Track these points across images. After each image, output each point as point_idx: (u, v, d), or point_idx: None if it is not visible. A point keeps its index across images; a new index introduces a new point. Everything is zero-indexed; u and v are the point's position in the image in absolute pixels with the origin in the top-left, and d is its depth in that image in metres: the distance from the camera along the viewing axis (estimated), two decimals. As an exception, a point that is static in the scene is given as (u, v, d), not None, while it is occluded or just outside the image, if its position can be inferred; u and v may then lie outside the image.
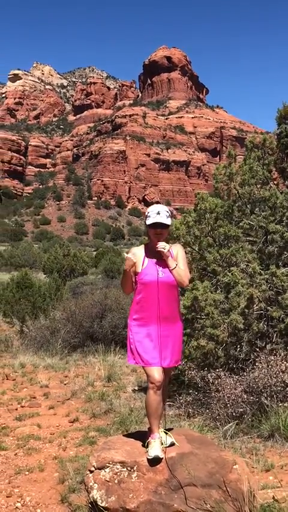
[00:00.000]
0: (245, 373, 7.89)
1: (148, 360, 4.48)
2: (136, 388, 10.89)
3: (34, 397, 10.18)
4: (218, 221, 9.85)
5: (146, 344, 4.51)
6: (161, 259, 4.56)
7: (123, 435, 4.93)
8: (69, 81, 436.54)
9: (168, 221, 4.56)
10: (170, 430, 4.71)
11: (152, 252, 4.60)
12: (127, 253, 4.68)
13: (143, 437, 4.66)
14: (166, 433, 4.54)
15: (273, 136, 10.56)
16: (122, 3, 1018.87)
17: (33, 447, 7.05)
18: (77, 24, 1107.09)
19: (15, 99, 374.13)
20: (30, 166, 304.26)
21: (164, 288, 4.49)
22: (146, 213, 4.66)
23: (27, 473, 6.11)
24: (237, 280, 8.30)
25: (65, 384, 11.45)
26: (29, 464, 6.41)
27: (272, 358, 7.47)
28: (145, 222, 4.66)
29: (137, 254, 4.61)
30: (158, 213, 4.56)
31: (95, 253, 73.86)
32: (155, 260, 4.57)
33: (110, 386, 10.96)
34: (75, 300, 19.37)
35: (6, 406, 9.48)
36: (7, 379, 11.99)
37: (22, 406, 9.50)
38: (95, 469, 4.23)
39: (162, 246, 4.51)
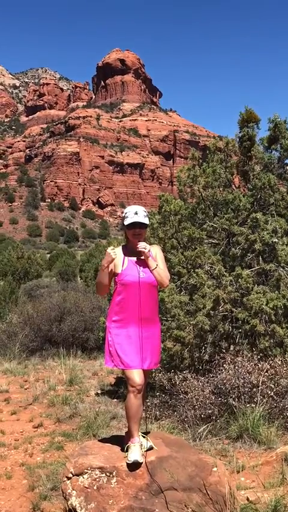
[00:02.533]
0: (211, 375, 7.92)
1: (128, 363, 4.39)
2: (99, 391, 10.78)
3: (-6, 403, 9.92)
4: (182, 223, 9.88)
5: (126, 346, 4.43)
6: (141, 260, 4.50)
7: (99, 440, 4.84)
8: (22, 82, 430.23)
9: (146, 220, 4.51)
10: (147, 433, 4.65)
11: (131, 252, 4.53)
12: (106, 249, 4.61)
13: (119, 441, 4.59)
14: (144, 437, 4.47)
15: (235, 140, 10.68)
16: (76, 4, 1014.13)
17: (-2, 454, 6.85)
18: (30, 24, 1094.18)
19: None
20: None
21: (146, 289, 4.43)
22: (123, 214, 4.60)
23: (-6, 481, 5.92)
24: (203, 282, 8.33)
25: (26, 389, 11.22)
26: (-5, 472, 6.22)
27: (239, 359, 7.52)
28: (122, 222, 4.60)
29: (117, 252, 4.54)
30: (135, 213, 4.50)
31: (49, 255, 72.97)
32: (135, 260, 4.51)
33: (72, 390, 10.81)
34: (32, 303, 19.06)
35: None
36: None
37: (-17, 413, 9.23)
38: (73, 476, 4.11)
39: (143, 246, 4.45)
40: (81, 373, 12.43)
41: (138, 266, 4.49)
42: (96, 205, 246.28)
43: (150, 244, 4.81)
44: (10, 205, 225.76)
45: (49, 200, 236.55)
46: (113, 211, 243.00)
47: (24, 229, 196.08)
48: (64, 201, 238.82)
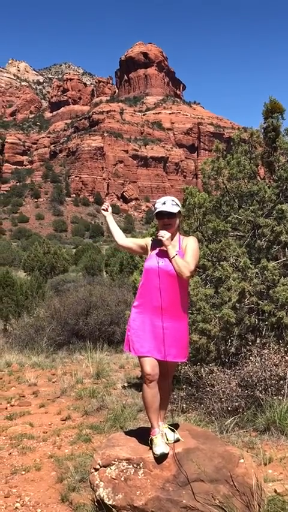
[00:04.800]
0: (237, 367, 7.89)
1: (138, 349, 4.40)
2: (126, 384, 10.84)
3: (23, 396, 10.07)
4: (207, 216, 9.83)
5: (140, 332, 4.44)
6: (163, 249, 4.51)
7: (125, 432, 4.87)
8: (46, 78, 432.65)
9: (173, 209, 4.50)
10: (175, 425, 4.66)
11: (158, 242, 4.55)
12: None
13: (145, 433, 4.61)
14: (172, 430, 4.48)
15: (259, 131, 10.57)
16: (95, 2, 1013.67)
17: (27, 446, 6.96)
18: (53, 20, 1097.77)
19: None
20: (6, 164, 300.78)
21: (164, 277, 4.40)
22: (154, 205, 4.65)
23: (23, 472, 6.01)
24: (228, 275, 8.29)
25: (53, 382, 11.35)
26: (24, 463, 6.32)
27: (265, 351, 7.47)
28: (154, 214, 4.63)
29: (148, 241, 4.67)
30: (163, 203, 4.52)
31: (74, 250, 73.53)
32: (158, 249, 4.52)
33: (99, 383, 10.89)
34: (59, 298, 19.26)
35: (-4, 405, 9.35)
36: (-6, 378, 11.84)
37: (12, 405, 9.38)
38: (101, 467, 4.17)
39: (162, 234, 4.45)
40: (108, 367, 12.51)
41: (159, 255, 4.51)
42: (121, 200, 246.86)
43: (188, 235, 4.82)
44: (36, 201, 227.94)
45: (74, 195, 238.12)
46: (137, 206, 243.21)
47: (50, 224, 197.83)
48: (89, 196, 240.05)
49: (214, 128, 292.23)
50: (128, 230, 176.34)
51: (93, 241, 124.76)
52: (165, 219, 4.50)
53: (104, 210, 5.01)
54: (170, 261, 4.40)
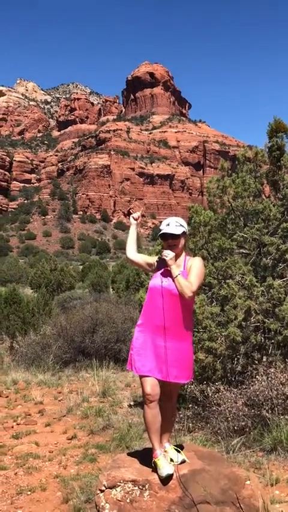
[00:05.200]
0: (243, 386, 7.83)
1: (140, 368, 4.39)
2: (132, 403, 10.77)
3: (29, 414, 10.02)
4: (212, 234, 9.85)
5: (142, 352, 4.42)
6: (167, 268, 4.52)
7: (130, 453, 4.83)
8: (53, 97, 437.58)
9: (177, 230, 4.51)
10: (180, 446, 4.61)
11: (163, 262, 4.56)
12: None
13: (150, 454, 4.57)
14: (178, 451, 4.43)
15: (264, 150, 10.63)
16: (104, 21, 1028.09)
17: (33, 466, 6.90)
18: (60, 40, 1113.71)
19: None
20: (15, 182, 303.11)
21: (167, 297, 4.39)
22: (160, 227, 4.68)
23: (29, 493, 5.96)
24: (234, 293, 8.27)
25: (60, 400, 11.29)
26: (30, 483, 6.27)
27: (272, 370, 7.42)
28: (158, 236, 4.67)
29: (154, 259, 4.68)
30: (167, 225, 4.54)
31: (81, 267, 73.61)
32: (163, 269, 4.53)
33: (106, 402, 10.82)
34: (65, 315, 19.21)
35: (2, 424, 9.30)
36: (0, 396, 11.79)
37: (18, 424, 9.33)
38: (106, 488, 4.12)
39: (165, 253, 4.46)
40: (114, 385, 12.44)
41: (163, 274, 4.52)
42: (127, 217, 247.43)
43: (194, 256, 4.83)
44: (43, 218, 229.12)
45: (81, 213, 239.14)
46: (143, 223, 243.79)
47: (57, 241, 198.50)
48: (96, 213, 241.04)
49: (219, 145, 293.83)
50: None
51: (100, 258, 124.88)
52: (169, 240, 4.52)
53: (134, 218, 4.96)
54: (173, 281, 4.40)
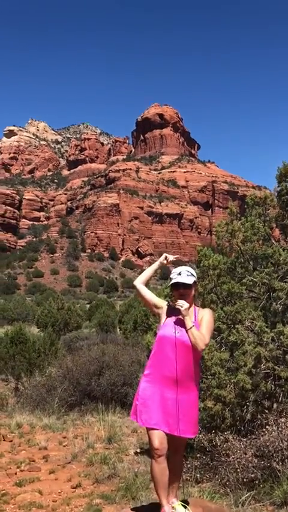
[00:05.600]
0: (253, 436, 7.67)
1: (147, 420, 4.30)
2: (138, 450, 10.56)
3: (33, 460, 9.83)
4: (221, 278, 9.84)
5: (149, 403, 4.34)
6: (180, 319, 4.49)
7: (136, 508, 4.70)
8: (64, 137, 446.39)
9: (189, 280, 4.52)
10: (186, 502, 4.49)
11: (173, 310, 4.54)
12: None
13: (157, 510, 4.45)
14: (184, 507, 4.31)
15: (273, 194, 10.72)
16: (114, 63, 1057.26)
17: (35, 517, 6.73)
18: (71, 82, 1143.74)
19: (10, 154, 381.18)
20: (24, 220, 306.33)
21: (180, 348, 4.36)
22: (170, 276, 4.67)
23: None
24: (243, 339, 8.20)
25: (64, 446, 11.09)
26: (32, 536, 6.09)
27: (283, 420, 7.27)
28: (168, 285, 4.67)
29: (164, 307, 4.63)
30: (179, 274, 4.55)
31: (88, 306, 73.43)
32: (175, 318, 4.50)
33: (111, 448, 10.61)
34: (72, 356, 19.06)
35: (5, 470, 9.13)
36: (4, 440, 11.61)
37: (21, 470, 9.15)
38: None
39: (180, 303, 4.45)
40: (120, 430, 12.22)
41: (175, 324, 4.48)
42: (136, 255, 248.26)
43: (204, 307, 4.81)
44: (51, 256, 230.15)
45: (89, 251, 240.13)
46: (152, 261, 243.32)
47: (65, 279, 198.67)
48: (104, 251, 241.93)
49: (228, 186, 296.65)
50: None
51: (108, 297, 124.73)
52: (180, 289, 4.52)
53: (165, 257, 4.91)
54: (187, 332, 4.38)
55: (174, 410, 4.27)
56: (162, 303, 4.76)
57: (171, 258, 4.87)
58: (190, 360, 4.39)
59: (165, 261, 4.87)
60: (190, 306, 4.54)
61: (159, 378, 4.35)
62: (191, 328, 4.38)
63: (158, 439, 4.21)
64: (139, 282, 4.80)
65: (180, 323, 4.46)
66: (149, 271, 4.87)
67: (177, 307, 4.45)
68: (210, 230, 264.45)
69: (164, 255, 4.88)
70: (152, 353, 4.54)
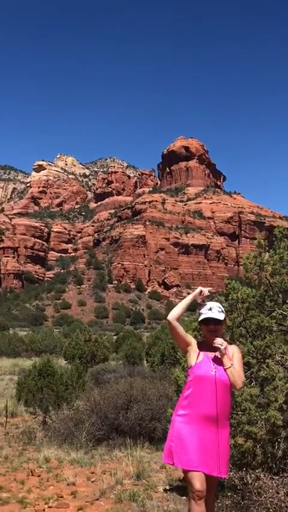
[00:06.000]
0: (285, 474, 7.46)
1: (187, 463, 4.21)
2: (167, 487, 10.34)
3: (61, 496, 9.71)
4: (250, 311, 9.74)
5: (187, 444, 4.25)
6: (217, 357, 4.44)
7: None
8: (91, 171, 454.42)
9: (220, 316, 4.50)
10: None
11: (207, 348, 4.50)
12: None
13: None
14: None
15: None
16: (140, 98, 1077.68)
17: None
18: (98, 117, 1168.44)
19: (39, 188, 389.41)
20: (52, 252, 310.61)
21: (220, 387, 4.32)
22: (198, 310, 4.65)
23: None
24: (274, 374, 8.05)
25: (92, 482, 10.93)
26: None
27: (316, 458, 7.06)
28: (197, 319, 4.64)
29: (193, 343, 4.56)
30: (209, 309, 4.53)
31: (115, 337, 73.24)
32: (211, 356, 4.46)
33: (140, 485, 10.42)
34: (99, 389, 18.95)
35: (33, 506, 9.03)
36: (32, 475, 11.51)
37: (49, 507, 9.04)
38: None
39: (219, 342, 4.42)
40: (148, 466, 12.01)
41: (212, 362, 4.43)
42: (162, 286, 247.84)
43: (229, 344, 4.76)
44: (78, 288, 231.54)
45: (116, 282, 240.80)
46: (178, 292, 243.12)
47: (92, 311, 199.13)
48: (130, 282, 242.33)
49: (255, 216, 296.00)
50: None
51: (134, 328, 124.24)
52: (211, 325, 4.50)
53: (201, 290, 4.87)
54: (225, 370, 4.35)
55: (214, 450, 4.21)
56: (192, 340, 4.72)
57: (206, 291, 4.81)
58: (228, 398, 4.37)
59: (200, 295, 4.82)
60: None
61: (197, 417, 4.29)
62: (230, 367, 4.36)
63: (199, 481, 4.13)
64: (173, 318, 4.76)
65: (218, 361, 4.42)
66: (182, 306, 4.82)
67: (216, 345, 4.42)
68: (237, 261, 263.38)
69: (199, 288, 4.82)
70: (187, 392, 4.45)
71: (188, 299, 4.82)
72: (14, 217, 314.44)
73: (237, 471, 7.82)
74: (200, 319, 4.56)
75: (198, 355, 4.51)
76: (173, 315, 4.75)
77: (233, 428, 8.23)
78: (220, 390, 4.29)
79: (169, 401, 14.33)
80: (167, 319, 4.80)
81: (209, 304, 4.62)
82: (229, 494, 7.76)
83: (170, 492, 9.84)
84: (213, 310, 4.51)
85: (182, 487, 10.26)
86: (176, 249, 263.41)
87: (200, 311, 4.61)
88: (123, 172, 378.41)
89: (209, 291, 4.82)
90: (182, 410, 4.38)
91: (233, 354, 4.50)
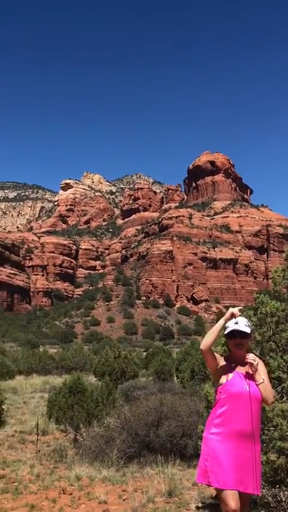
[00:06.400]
0: None
1: (224, 482, 4.14)
2: (200, 505, 10.21)
3: (93, 515, 9.67)
4: (280, 325, 9.62)
5: (223, 463, 4.18)
6: (248, 372, 4.41)
7: None
8: (118, 188, 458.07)
9: (247, 329, 4.46)
10: None
11: (234, 362, 4.47)
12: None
13: None
14: None
15: None
16: (164, 116, 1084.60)
17: None
18: (124, 135, 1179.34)
19: (66, 206, 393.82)
20: (80, 269, 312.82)
21: (255, 402, 4.28)
22: (225, 324, 4.63)
23: None
24: (305, 389, 7.91)
25: (124, 500, 10.86)
26: None
27: None
28: (224, 334, 4.60)
29: (221, 362, 4.52)
30: (236, 323, 4.50)
31: (145, 353, 72.98)
32: (242, 372, 4.43)
33: (172, 503, 10.32)
34: (129, 406, 18.88)
35: (65, 525, 9.01)
36: (64, 493, 11.50)
37: (81, 525, 9.00)
38: None
39: (252, 358, 4.39)
40: (180, 483, 11.88)
41: (244, 378, 4.39)
42: (191, 302, 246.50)
43: (262, 356, 4.74)
44: (107, 304, 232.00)
45: (144, 298, 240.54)
46: (207, 307, 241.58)
47: (121, 327, 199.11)
48: (159, 298, 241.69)
49: (283, 229, 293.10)
50: (198, 332, 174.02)
51: (164, 344, 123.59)
52: (237, 339, 4.47)
53: (233, 312, 4.76)
54: (257, 386, 4.32)
55: (250, 466, 4.15)
56: (220, 359, 4.66)
57: (237, 312, 4.68)
58: (260, 413, 4.35)
59: (231, 316, 4.71)
60: (244, 357, 4.48)
61: (232, 435, 4.23)
62: (262, 382, 4.32)
63: (234, 500, 4.07)
64: (206, 348, 4.67)
65: (249, 377, 4.39)
66: (214, 333, 4.69)
67: (249, 361, 4.38)
68: (267, 274, 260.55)
69: (230, 310, 4.72)
70: (220, 410, 4.38)
71: (219, 324, 4.73)
72: (42, 236, 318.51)
73: (270, 488, 7.68)
74: (226, 333, 4.53)
75: (228, 372, 4.46)
76: (206, 344, 4.65)
77: (264, 445, 8.10)
78: (254, 406, 4.26)
79: (200, 418, 14.18)
80: (200, 348, 4.73)
81: (236, 318, 4.60)
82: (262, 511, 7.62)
83: (202, 510, 9.71)
84: (240, 324, 4.48)
85: (214, 505, 10.10)
86: (204, 264, 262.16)
87: (227, 325, 4.59)
88: (149, 188, 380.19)
89: (238, 309, 4.74)
90: (216, 429, 4.32)
91: (260, 369, 4.46)
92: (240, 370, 4.44)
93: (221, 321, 4.76)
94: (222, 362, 4.58)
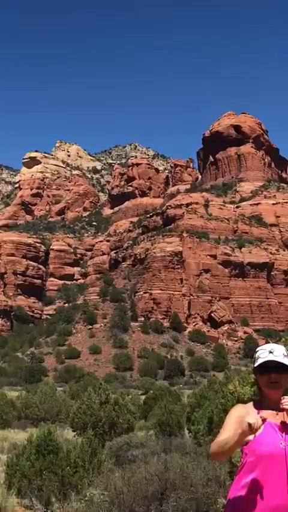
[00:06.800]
0: None
1: None
2: None
3: None
4: None
5: None
6: (284, 422, 4.39)
7: None
8: (104, 164, 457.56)
9: (285, 361, 4.43)
10: None
11: (267, 409, 4.45)
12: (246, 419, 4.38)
13: None
14: None
15: None
16: (173, 63, 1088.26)
17: None
18: (112, 91, 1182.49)
19: (31, 190, 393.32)
20: (52, 278, 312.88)
21: None
22: (254, 355, 4.60)
23: None
24: None
25: None
26: None
27: None
28: (253, 367, 4.57)
29: (246, 415, 4.43)
30: (270, 352, 4.46)
31: (143, 398, 73.10)
32: (276, 424, 4.41)
33: None
34: (122, 472, 18.97)
35: None
36: None
37: None
38: None
39: None
40: None
41: (280, 433, 4.38)
42: (208, 324, 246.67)
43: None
44: (90, 329, 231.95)
45: (143, 319, 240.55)
46: (231, 332, 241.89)
47: (109, 360, 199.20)
48: (163, 319, 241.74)
49: None
50: (219, 367, 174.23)
51: (170, 384, 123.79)
52: (272, 373, 4.45)
53: (262, 418, 4.42)
54: None
55: None
56: (241, 414, 4.48)
57: (259, 422, 4.41)
58: None
59: (260, 422, 4.38)
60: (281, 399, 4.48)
61: (267, 509, 4.24)
62: None
63: None
64: (217, 458, 4.56)
65: (285, 430, 4.37)
66: (226, 446, 4.39)
67: (284, 407, 4.36)
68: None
69: (247, 421, 4.49)
70: (246, 479, 4.37)
71: (233, 435, 4.41)
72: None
73: None
74: (255, 365, 4.49)
75: (258, 423, 4.45)
76: (215, 454, 4.48)
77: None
78: None
79: (220, 488, 14.24)
80: (211, 453, 4.53)
81: (270, 345, 4.57)
82: None
83: None
84: (276, 353, 4.44)
85: None
86: (227, 270, 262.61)
87: (257, 354, 4.56)
88: (148, 164, 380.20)
89: (261, 420, 4.47)
90: (240, 505, 4.32)
91: None
92: (274, 420, 4.41)
93: (234, 425, 4.47)
94: (251, 419, 4.46)
